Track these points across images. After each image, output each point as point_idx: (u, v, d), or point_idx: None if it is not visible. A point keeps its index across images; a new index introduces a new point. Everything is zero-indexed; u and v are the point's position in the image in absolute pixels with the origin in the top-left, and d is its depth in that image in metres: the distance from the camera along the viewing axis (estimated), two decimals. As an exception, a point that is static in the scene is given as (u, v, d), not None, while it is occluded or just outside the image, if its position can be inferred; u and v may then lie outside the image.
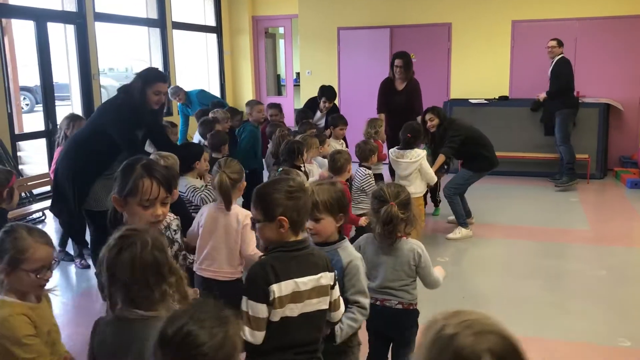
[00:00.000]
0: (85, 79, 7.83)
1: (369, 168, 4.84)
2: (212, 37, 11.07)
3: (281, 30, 12.54)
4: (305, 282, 2.01)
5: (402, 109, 6.40)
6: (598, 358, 3.45)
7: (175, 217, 3.22)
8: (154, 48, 9.46)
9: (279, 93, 12.89)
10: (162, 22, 9.38)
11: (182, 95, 7.86)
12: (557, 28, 8.71)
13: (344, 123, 6.09)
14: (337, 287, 2.14)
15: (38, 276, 2.03)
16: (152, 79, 4.07)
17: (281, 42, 12.97)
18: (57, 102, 7.49)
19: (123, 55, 15.00)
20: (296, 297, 1.99)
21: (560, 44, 7.55)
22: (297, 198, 2.02)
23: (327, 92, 6.79)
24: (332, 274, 2.09)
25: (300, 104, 9.67)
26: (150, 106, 4.12)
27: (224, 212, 3.14)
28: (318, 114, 6.91)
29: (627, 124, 8.60)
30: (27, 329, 1.99)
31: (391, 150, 5.30)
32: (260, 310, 1.92)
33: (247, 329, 1.91)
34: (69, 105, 8.01)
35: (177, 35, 9.85)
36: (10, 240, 2.02)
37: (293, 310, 1.99)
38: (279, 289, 1.94)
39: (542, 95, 7.73)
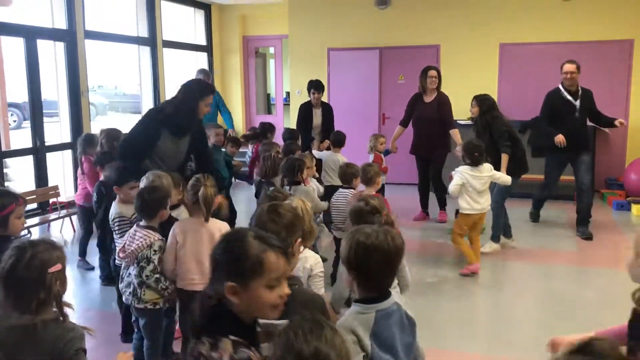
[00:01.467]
0: (74, 96, 7.79)
1: (353, 189, 4.87)
2: (203, 56, 11.11)
3: (271, 50, 12.61)
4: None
5: (430, 120, 6.78)
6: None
7: (160, 238, 3.23)
8: (144, 66, 9.47)
9: (269, 112, 12.93)
10: (152, 41, 9.40)
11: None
12: (544, 51, 8.84)
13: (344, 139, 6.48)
14: None
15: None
16: (207, 91, 4.30)
17: (271, 62, 13.04)
18: (45, 119, 7.45)
19: (113, 73, 15.00)
20: None
21: (579, 68, 6.29)
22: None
23: (314, 84, 7.15)
24: None
25: (290, 123, 9.70)
26: (199, 116, 4.27)
27: (202, 225, 3.21)
28: (315, 114, 7.11)
29: (613, 146, 8.70)
30: None
31: (464, 169, 5.22)
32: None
33: None
34: (57, 122, 7.97)
35: (168, 53, 9.87)
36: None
37: None
38: None
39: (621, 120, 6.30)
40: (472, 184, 5.18)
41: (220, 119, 8.17)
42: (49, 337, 1.92)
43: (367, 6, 9.57)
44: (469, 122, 8.36)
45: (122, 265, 3.38)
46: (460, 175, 5.18)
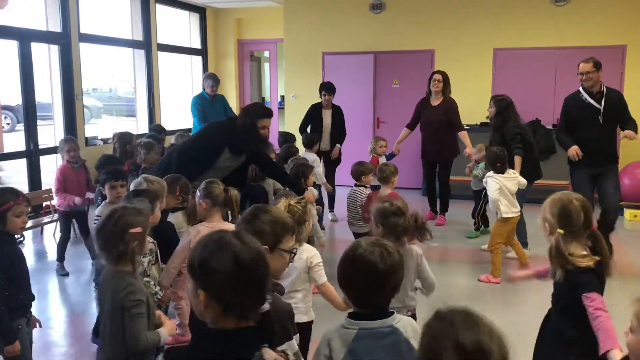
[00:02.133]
0: (68, 99, 7.78)
1: (365, 187, 5.07)
2: (198, 60, 11.11)
3: (266, 54, 12.63)
4: None
5: (437, 123, 6.92)
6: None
7: (152, 241, 3.21)
8: (139, 69, 9.46)
9: (264, 116, 12.92)
10: (147, 44, 9.40)
11: (216, 89, 7.78)
12: (538, 56, 8.89)
13: (317, 141, 6.65)
14: None
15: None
16: (263, 114, 4.41)
17: (266, 66, 13.05)
18: (39, 122, 7.43)
19: (107, 76, 14.98)
20: None
21: (597, 66, 5.44)
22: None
23: (325, 85, 7.29)
24: None
25: (284, 127, 9.70)
26: (256, 137, 4.38)
27: (221, 228, 3.17)
28: (325, 115, 7.25)
29: (606, 151, 8.73)
30: None
31: (495, 175, 5.18)
32: None
33: None
34: (51, 125, 7.95)
35: (162, 56, 9.86)
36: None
37: None
38: None
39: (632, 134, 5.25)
40: (507, 186, 5.17)
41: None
42: (115, 285, 2.41)
43: (362, 11, 9.60)
44: (465, 127, 8.43)
45: None
46: (494, 180, 5.16)
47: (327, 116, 7.27)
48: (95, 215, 4.01)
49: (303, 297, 2.82)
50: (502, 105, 5.88)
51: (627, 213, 7.44)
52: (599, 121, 5.34)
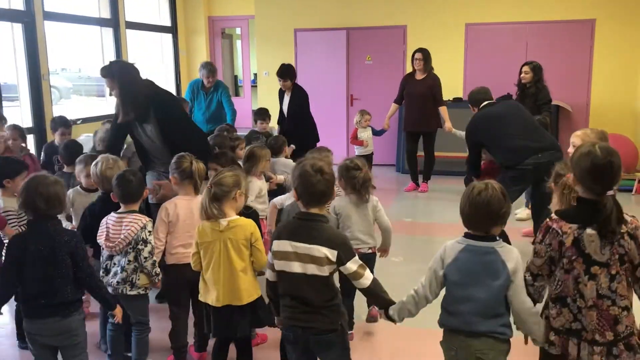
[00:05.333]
0: (34, 80, 7.59)
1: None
2: (167, 37, 10.91)
3: (238, 30, 12.46)
4: (297, 247, 2.45)
5: (421, 96, 7.29)
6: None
7: (149, 219, 3.19)
8: (107, 48, 9.26)
9: (237, 94, 12.81)
10: (115, 22, 9.19)
11: (212, 79, 6.75)
12: (509, 31, 8.94)
13: (262, 118, 6.27)
14: (349, 263, 2.45)
15: None
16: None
17: (238, 43, 12.89)
18: (4, 103, 7.25)
19: (75, 55, 14.62)
20: (288, 256, 2.47)
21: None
22: (304, 177, 2.47)
23: (278, 70, 6.57)
24: (333, 251, 2.42)
25: (257, 105, 9.63)
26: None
27: (192, 200, 3.29)
28: (285, 99, 6.76)
29: (576, 124, 8.85)
30: None
31: None
32: (270, 256, 2.59)
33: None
34: (18, 107, 7.77)
35: (131, 35, 9.66)
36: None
37: (288, 266, 2.48)
38: (277, 245, 2.51)
39: None
40: None
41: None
42: None
43: (333, -14, 9.50)
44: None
45: (104, 257, 3.22)
46: None
47: (285, 101, 6.70)
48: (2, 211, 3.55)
49: None
50: (540, 72, 6.12)
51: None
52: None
